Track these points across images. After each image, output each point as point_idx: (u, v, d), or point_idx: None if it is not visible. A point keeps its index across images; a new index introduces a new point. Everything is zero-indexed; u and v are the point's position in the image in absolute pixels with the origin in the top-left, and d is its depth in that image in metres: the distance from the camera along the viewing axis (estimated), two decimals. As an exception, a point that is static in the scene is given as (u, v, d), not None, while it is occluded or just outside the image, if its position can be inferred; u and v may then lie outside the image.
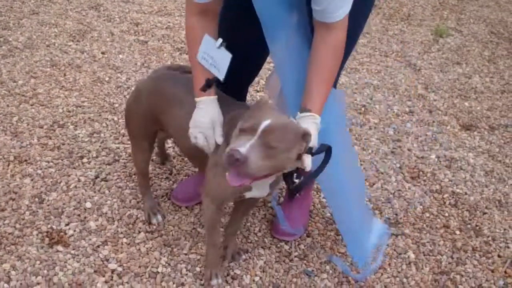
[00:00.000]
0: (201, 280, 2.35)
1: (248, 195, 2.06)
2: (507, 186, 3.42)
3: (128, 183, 2.80)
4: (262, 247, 2.59)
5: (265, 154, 1.66)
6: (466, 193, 3.25)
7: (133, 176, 2.84)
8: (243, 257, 2.52)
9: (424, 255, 2.75)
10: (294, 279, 2.46)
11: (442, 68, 4.83)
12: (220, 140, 2.02)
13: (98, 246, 2.42)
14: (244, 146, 1.64)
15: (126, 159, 2.96)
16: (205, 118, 2.02)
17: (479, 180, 3.40)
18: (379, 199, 3.06)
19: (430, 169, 3.41)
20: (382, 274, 2.58)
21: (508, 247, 2.91)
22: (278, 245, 2.63)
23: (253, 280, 2.41)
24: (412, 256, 2.72)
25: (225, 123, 2.05)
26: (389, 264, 2.65)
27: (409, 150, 3.57)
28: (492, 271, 2.73)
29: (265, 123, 1.68)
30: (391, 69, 4.68)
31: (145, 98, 2.28)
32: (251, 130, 1.69)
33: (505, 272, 2.76)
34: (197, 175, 2.77)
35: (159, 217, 2.60)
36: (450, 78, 4.67)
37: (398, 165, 3.41)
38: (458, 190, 3.26)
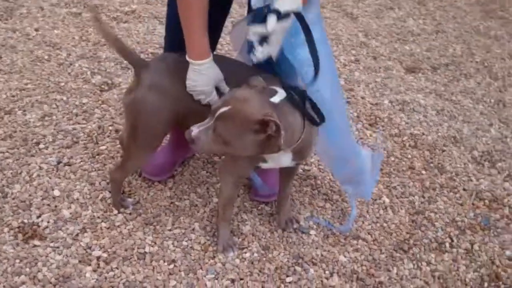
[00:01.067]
0: (191, 254, 2.30)
1: (265, 166, 2.08)
2: (458, 122, 3.55)
3: (93, 164, 2.67)
4: (244, 212, 2.56)
5: (215, 139, 1.76)
6: (423, 134, 3.35)
7: (97, 156, 2.71)
8: (295, 226, 2.50)
9: (397, 198, 2.82)
10: (283, 239, 2.46)
11: (377, 15, 4.90)
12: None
13: (77, 235, 2.31)
14: (198, 127, 1.77)
15: (85, 140, 2.81)
16: (210, 83, 2.00)
17: (432, 120, 3.51)
18: (345, 149, 3.08)
19: (386, 114, 3.48)
20: (363, 222, 2.63)
21: (471, 180, 3.04)
22: (259, 208, 2.61)
23: (247, 247, 2.39)
24: (387, 200, 2.78)
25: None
26: (367, 211, 2.70)
27: (362, 98, 3.61)
28: (461, 205, 2.85)
29: (221, 110, 1.73)
30: (330, 20, 4.69)
31: (168, 92, 2.04)
32: (212, 113, 1.76)
33: (473, 204, 2.88)
34: (167, 147, 2.68)
35: (128, 205, 2.49)
36: (386, 24, 4.75)
37: (355, 114, 3.45)
38: (415, 132, 3.35)
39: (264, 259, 2.34)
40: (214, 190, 2.64)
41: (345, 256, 2.42)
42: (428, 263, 2.47)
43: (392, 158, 3.08)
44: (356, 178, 2.48)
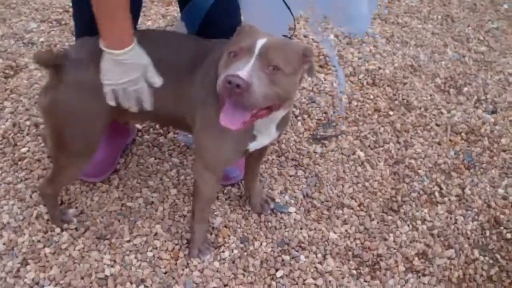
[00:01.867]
0: (161, 266, 1.93)
1: (253, 146, 1.70)
2: (411, 48, 3.29)
3: (16, 173, 2.18)
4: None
5: (268, 78, 1.37)
6: (379, 68, 3.06)
7: (19, 162, 2.22)
8: (272, 206, 2.17)
9: (371, 148, 2.56)
10: (261, 224, 2.13)
11: None
12: (158, 79, 1.63)
13: (18, 270, 1.87)
14: (242, 69, 1.32)
15: (0, 144, 2.30)
16: (136, 74, 1.59)
17: (385, 49, 3.22)
18: (302, 101, 2.74)
19: (335, 51, 3.14)
20: (343, 186, 2.35)
21: (442, 113, 2.82)
22: (225, 191, 2.25)
23: (223, 244, 2.04)
24: (362, 154, 2.51)
25: (202, 68, 1.65)
26: (344, 171, 2.41)
27: (305, 36, 3.25)
28: (439, 144, 2.63)
29: (262, 40, 1.39)
30: None
31: (97, 85, 1.61)
32: (246, 51, 1.38)
33: (450, 140, 2.66)
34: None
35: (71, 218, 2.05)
36: None
37: (302, 56, 3.09)
38: (370, 67, 3.06)
39: (245, 254, 2.03)
40: (170, 180, 2.24)
41: (335, 232, 2.14)
42: (423, 221, 2.24)
43: (355, 103, 2.79)
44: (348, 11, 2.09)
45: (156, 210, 2.12)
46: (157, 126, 2.46)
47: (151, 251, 1.98)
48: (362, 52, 3.16)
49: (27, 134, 2.38)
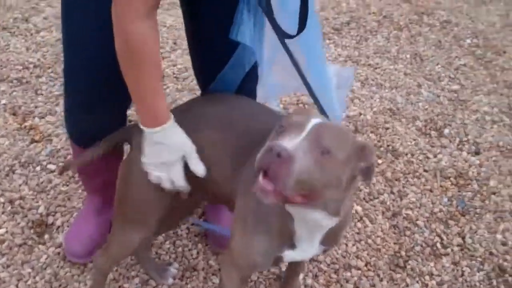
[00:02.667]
0: None
1: (289, 256, 1.54)
2: (387, 90, 3.37)
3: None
4: (214, 273, 2.14)
5: (315, 158, 1.19)
6: (360, 114, 3.12)
7: None
8: None
9: (367, 201, 2.57)
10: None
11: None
12: (201, 168, 1.56)
13: None
14: (289, 142, 1.18)
15: None
16: (174, 152, 1.54)
17: (361, 94, 3.30)
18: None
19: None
20: (346, 245, 2.35)
21: (428, 158, 2.87)
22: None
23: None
24: (359, 208, 2.52)
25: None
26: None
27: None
28: (431, 191, 2.67)
29: (316, 120, 1.25)
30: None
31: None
32: (296, 127, 1.23)
33: (441, 186, 2.71)
34: (89, 213, 2.14)
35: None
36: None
37: (281, 106, 3.10)
38: (351, 113, 3.12)
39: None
40: (166, 253, 2.19)
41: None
42: (431, 275, 2.26)
43: (342, 153, 2.78)
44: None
45: (156, 289, 2.05)
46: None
47: None
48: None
49: (3, 213, 2.26)
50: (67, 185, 2.41)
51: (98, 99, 1.71)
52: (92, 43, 1.60)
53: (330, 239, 1.51)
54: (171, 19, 3.73)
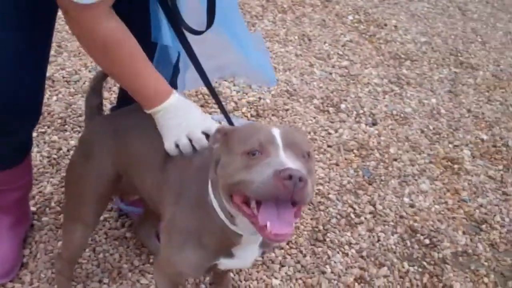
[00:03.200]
0: None
1: (224, 265, 1.51)
2: (281, 73, 3.44)
3: None
4: (141, 273, 2.12)
5: (306, 168, 1.20)
6: (260, 98, 3.17)
7: None
8: None
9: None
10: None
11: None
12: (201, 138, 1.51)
13: None
14: (286, 162, 1.14)
15: None
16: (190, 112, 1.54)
17: (259, 79, 3.33)
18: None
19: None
20: (266, 227, 2.38)
21: (329, 133, 2.99)
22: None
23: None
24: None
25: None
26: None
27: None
28: (337, 164, 2.80)
29: (275, 130, 1.24)
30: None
31: (103, 151, 1.65)
32: (267, 145, 1.20)
33: (346, 159, 2.84)
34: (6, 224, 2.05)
35: None
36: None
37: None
38: (251, 99, 3.16)
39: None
40: (88, 261, 2.12)
41: (276, 278, 2.18)
42: (350, 245, 2.38)
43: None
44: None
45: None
46: (53, 204, 2.32)
47: None
48: (238, 85, 3.24)
49: None
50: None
51: (8, 120, 1.61)
52: None
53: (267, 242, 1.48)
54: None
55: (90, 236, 1.96)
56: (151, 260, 2.14)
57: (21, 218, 2.12)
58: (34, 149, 2.52)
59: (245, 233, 1.35)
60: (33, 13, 1.56)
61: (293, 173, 1.09)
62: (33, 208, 2.28)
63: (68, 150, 2.60)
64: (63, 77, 3.05)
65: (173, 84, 1.79)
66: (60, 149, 2.60)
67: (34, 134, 2.50)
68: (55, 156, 2.55)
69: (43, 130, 2.70)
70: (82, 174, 1.69)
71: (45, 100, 2.74)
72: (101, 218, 2.17)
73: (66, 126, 2.75)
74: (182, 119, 1.51)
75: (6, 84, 1.52)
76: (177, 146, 1.51)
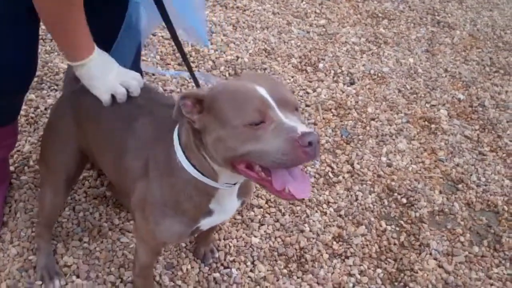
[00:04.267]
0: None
1: (207, 224, 1.49)
2: (259, 31, 3.38)
3: None
4: (121, 232, 2.09)
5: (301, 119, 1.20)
6: (237, 57, 3.11)
7: None
8: (216, 255, 2.06)
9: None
10: (180, 247, 2.08)
11: None
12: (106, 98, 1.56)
13: None
14: (296, 124, 1.12)
15: None
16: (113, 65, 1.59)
17: (236, 37, 3.27)
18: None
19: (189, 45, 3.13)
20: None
21: (307, 93, 2.96)
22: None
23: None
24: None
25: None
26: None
27: (154, 35, 3.16)
28: (315, 124, 2.77)
29: (263, 90, 1.18)
30: None
31: (68, 106, 1.68)
32: (265, 112, 1.15)
33: (324, 118, 2.82)
34: None
35: (57, 282, 1.85)
36: None
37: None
38: (228, 57, 3.10)
39: (176, 281, 1.95)
40: (68, 220, 2.10)
41: (255, 236, 2.18)
42: (328, 204, 2.38)
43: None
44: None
45: (62, 258, 1.96)
46: (31, 163, 2.26)
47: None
48: (215, 43, 3.17)
49: None
50: None
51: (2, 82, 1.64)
52: None
53: (244, 190, 1.50)
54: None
55: (65, 201, 1.95)
56: (130, 219, 2.11)
57: (3, 178, 2.08)
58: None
59: (223, 186, 1.34)
60: None
61: (313, 139, 1.09)
62: (12, 168, 2.22)
63: (45, 109, 2.54)
64: (39, 35, 2.93)
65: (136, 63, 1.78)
66: (37, 107, 2.54)
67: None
68: (32, 115, 2.49)
69: (17, 88, 2.61)
70: (49, 145, 1.75)
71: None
72: (80, 177, 2.12)
73: (43, 84, 2.68)
74: (109, 70, 1.56)
75: (5, 45, 1.57)
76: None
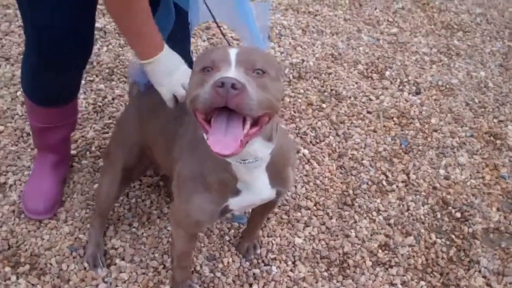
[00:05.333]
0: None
1: (236, 204, 1.51)
2: (328, 36, 3.38)
3: None
4: (169, 221, 2.14)
5: (257, 82, 1.20)
6: (303, 60, 3.12)
7: None
8: (258, 251, 2.09)
9: (313, 144, 2.61)
10: (223, 240, 2.11)
11: None
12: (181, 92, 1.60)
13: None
14: (228, 74, 1.15)
15: None
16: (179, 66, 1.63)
17: (303, 41, 3.28)
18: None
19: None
20: (295, 187, 2.36)
21: (370, 99, 2.92)
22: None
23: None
24: (306, 152, 2.56)
25: None
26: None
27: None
28: (375, 131, 2.73)
29: (234, 49, 1.25)
30: None
31: (133, 108, 1.84)
32: (221, 62, 1.21)
33: (384, 126, 2.77)
34: (42, 167, 2.11)
35: (99, 271, 1.94)
36: None
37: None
38: (294, 60, 3.13)
39: (217, 272, 1.98)
40: (120, 205, 2.18)
41: (299, 237, 2.17)
42: (378, 211, 2.33)
43: (287, 99, 2.83)
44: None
45: (110, 240, 2.03)
46: (93, 148, 2.36)
47: (120, 286, 1.89)
48: (283, 46, 3.19)
49: None
50: (16, 145, 2.35)
51: (65, 56, 1.72)
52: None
53: (278, 178, 1.50)
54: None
55: (120, 194, 2.00)
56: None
57: (63, 158, 2.20)
58: (81, 96, 2.57)
59: (233, 161, 1.36)
60: None
61: (225, 81, 1.10)
62: (74, 152, 2.33)
63: (112, 99, 2.64)
64: (114, 29, 3.07)
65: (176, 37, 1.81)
66: (105, 97, 2.64)
67: (83, 82, 2.56)
68: (100, 104, 2.59)
69: (91, 78, 2.74)
70: (115, 141, 1.89)
71: (95, 51, 2.80)
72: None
73: (113, 76, 2.79)
74: (175, 69, 1.60)
75: (65, 22, 1.63)
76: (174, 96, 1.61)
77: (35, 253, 1.97)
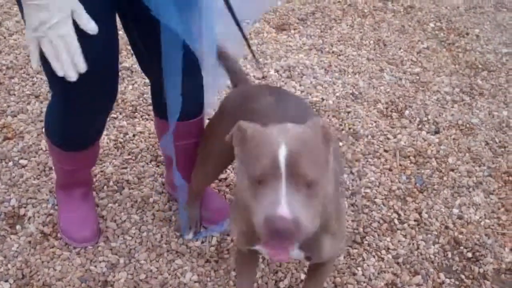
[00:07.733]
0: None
1: (262, 250, 1.50)
2: (350, 76, 3.41)
3: None
4: (177, 255, 2.19)
5: (307, 199, 1.17)
6: (322, 99, 3.16)
7: None
8: None
9: (327, 182, 2.61)
10: (230, 276, 2.14)
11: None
12: (92, 26, 1.45)
13: None
14: (280, 203, 1.12)
15: None
16: (58, 12, 1.38)
17: (324, 80, 3.34)
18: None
19: (277, 86, 3.22)
20: (305, 224, 2.37)
21: (388, 138, 2.93)
22: (189, 246, 2.25)
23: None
24: (319, 189, 2.55)
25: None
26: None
27: (246, 74, 3.30)
28: (390, 170, 2.73)
29: (282, 150, 1.17)
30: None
31: (228, 114, 1.89)
32: (270, 174, 1.17)
33: (400, 165, 2.77)
34: (73, 199, 2.25)
35: (191, 233, 2.24)
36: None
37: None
38: (314, 99, 3.16)
39: None
40: (132, 238, 2.24)
41: (305, 273, 2.16)
42: (388, 250, 2.32)
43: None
44: None
45: (119, 273, 2.10)
46: (111, 183, 2.45)
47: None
48: (304, 85, 3.25)
49: None
50: (38, 178, 2.47)
51: (89, 98, 1.75)
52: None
53: (307, 244, 1.40)
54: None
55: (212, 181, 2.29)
56: (189, 244, 2.21)
57: (90, 187, 2.31)
58: (104, 132, 2.67)
59: None
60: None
61: (280, 227, 1.11)
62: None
63: (133, 135, 2.74)
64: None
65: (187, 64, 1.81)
66: (126, 133, 2.74)
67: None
68: (121, 140, 2.69)
69: (114, 115, 2.85)
70: (213, 131, 1.98)
71: (122, 89, 2.92)
72: (151, 200, 2.27)
73: (136, 113, 2.89)
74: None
75: (101, 67, 1.64)
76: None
77: (47, 283, 2.05)
